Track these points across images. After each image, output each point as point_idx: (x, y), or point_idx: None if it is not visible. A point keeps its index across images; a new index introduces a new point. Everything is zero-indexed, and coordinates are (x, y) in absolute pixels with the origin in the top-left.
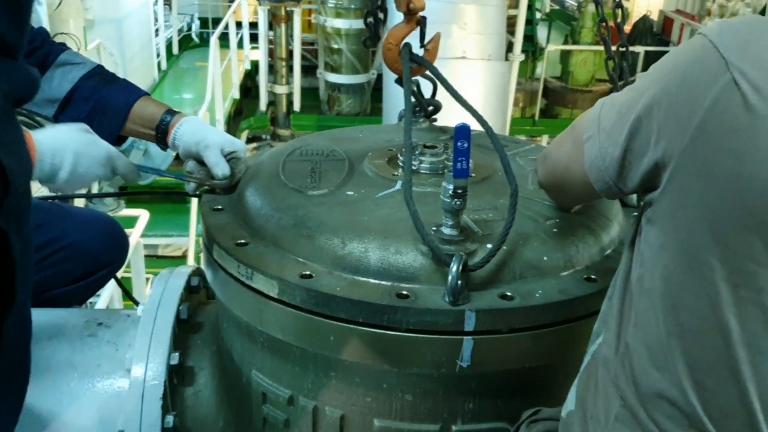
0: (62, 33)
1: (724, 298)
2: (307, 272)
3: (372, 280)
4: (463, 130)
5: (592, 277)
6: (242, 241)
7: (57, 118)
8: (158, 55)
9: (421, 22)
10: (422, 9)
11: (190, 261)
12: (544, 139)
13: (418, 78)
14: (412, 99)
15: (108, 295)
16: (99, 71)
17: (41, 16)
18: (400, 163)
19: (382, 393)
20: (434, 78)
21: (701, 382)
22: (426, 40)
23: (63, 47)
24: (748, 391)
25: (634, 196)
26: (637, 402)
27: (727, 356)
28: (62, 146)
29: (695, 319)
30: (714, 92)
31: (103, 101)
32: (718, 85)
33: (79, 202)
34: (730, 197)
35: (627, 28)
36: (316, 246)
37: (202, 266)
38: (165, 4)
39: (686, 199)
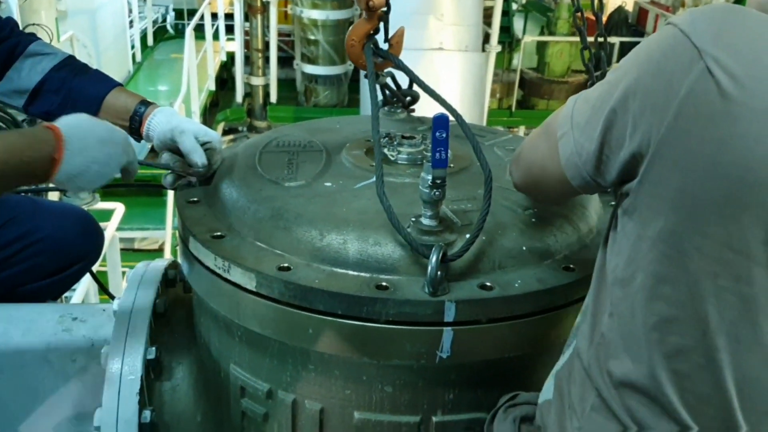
0: (33, 24)
1: (702, 287)
2: (285, 264)
3: (351, 272)
4: (441, 120)
5: (571, 266)
6: (219, 233)
7: (27, 110)
8: (133, 47)
9: (383, 18)
10: (382, 6)
11: (167, 254)
12: (521, 130)
13: (392, 70)
14: (388, 91)
15: (83, 289)
16: (69, 62)
17: (11, 6)
18: None
19: (362, 385)
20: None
21: (677, 370)
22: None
23: (32, 38)
24: (724, 379)
25: None
26: (611, 392)
27: (704, 344)
28: (88, 135)
29: (673, 309)
30: (689, 81)
31: (74, 92)
32: (693, 74)
33: (53, 196)
34: (709, 185)
35: (603, 18)
36: (293, 238)
37: (179, 259)
38: None
39: (664, 189)
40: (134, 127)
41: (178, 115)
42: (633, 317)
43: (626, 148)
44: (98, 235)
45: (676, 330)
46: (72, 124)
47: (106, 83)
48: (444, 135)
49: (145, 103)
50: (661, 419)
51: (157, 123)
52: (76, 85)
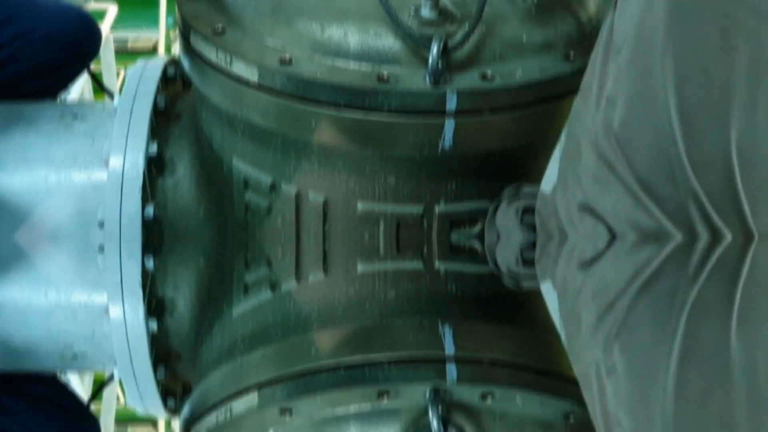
0: None
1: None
2: (287, 57)
3: (352, 64)
4: None
5: (571, 56)
6: (220, 27)
7: None
8: None
9: None
10: None
11: (161, 54)
12: None
13: None
14: None
15: (78, 89)
16: None
17: None
18: None
19: (365, 177)
20: None
21: (689, 130)
22: None
23: None
24: (729, 141)
25: None
26: (616, 155)
27: (718, 104)
28: None
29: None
30: None
31: None
32: None
33: None
34: None
35: None
36: (294, 31)
37: (179, 55)
38: None
39: None
40: None
41: None
42: (644, 78)
43: None
44: (96, 32)
45: (691, 87)
46: None
47: None
48: None
49: None
50: (667, 183)
51: None
52: None
